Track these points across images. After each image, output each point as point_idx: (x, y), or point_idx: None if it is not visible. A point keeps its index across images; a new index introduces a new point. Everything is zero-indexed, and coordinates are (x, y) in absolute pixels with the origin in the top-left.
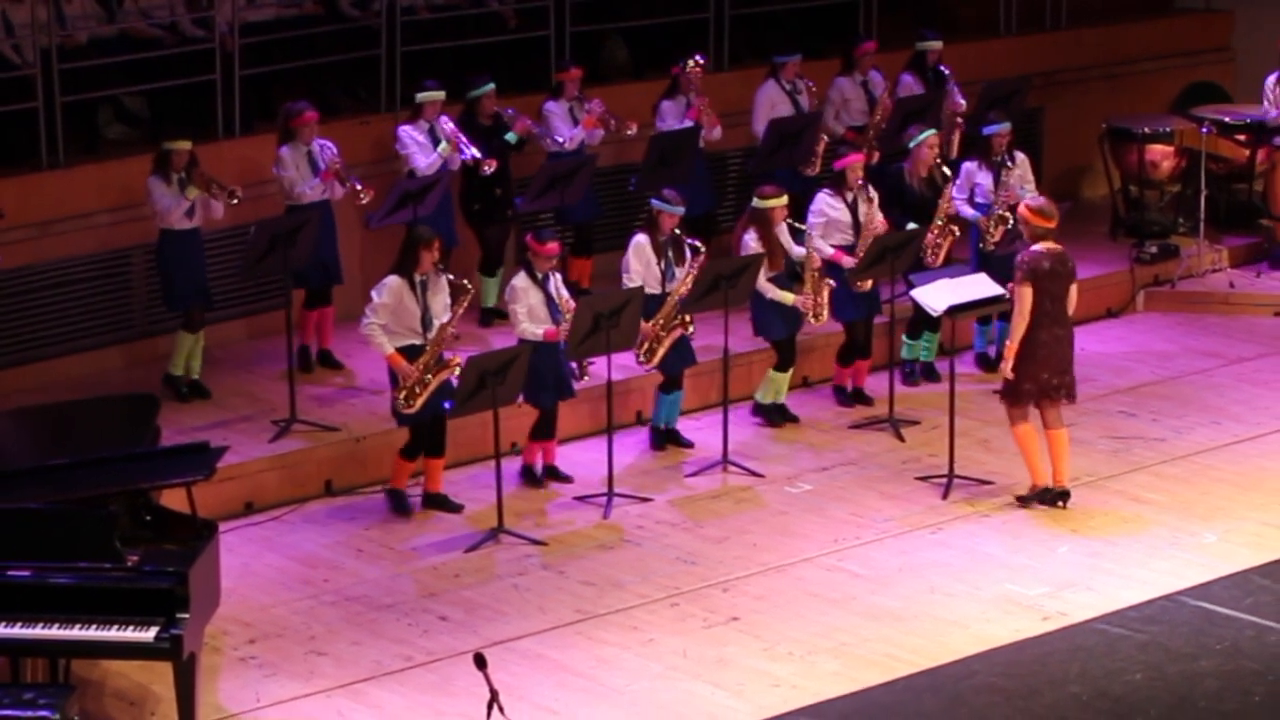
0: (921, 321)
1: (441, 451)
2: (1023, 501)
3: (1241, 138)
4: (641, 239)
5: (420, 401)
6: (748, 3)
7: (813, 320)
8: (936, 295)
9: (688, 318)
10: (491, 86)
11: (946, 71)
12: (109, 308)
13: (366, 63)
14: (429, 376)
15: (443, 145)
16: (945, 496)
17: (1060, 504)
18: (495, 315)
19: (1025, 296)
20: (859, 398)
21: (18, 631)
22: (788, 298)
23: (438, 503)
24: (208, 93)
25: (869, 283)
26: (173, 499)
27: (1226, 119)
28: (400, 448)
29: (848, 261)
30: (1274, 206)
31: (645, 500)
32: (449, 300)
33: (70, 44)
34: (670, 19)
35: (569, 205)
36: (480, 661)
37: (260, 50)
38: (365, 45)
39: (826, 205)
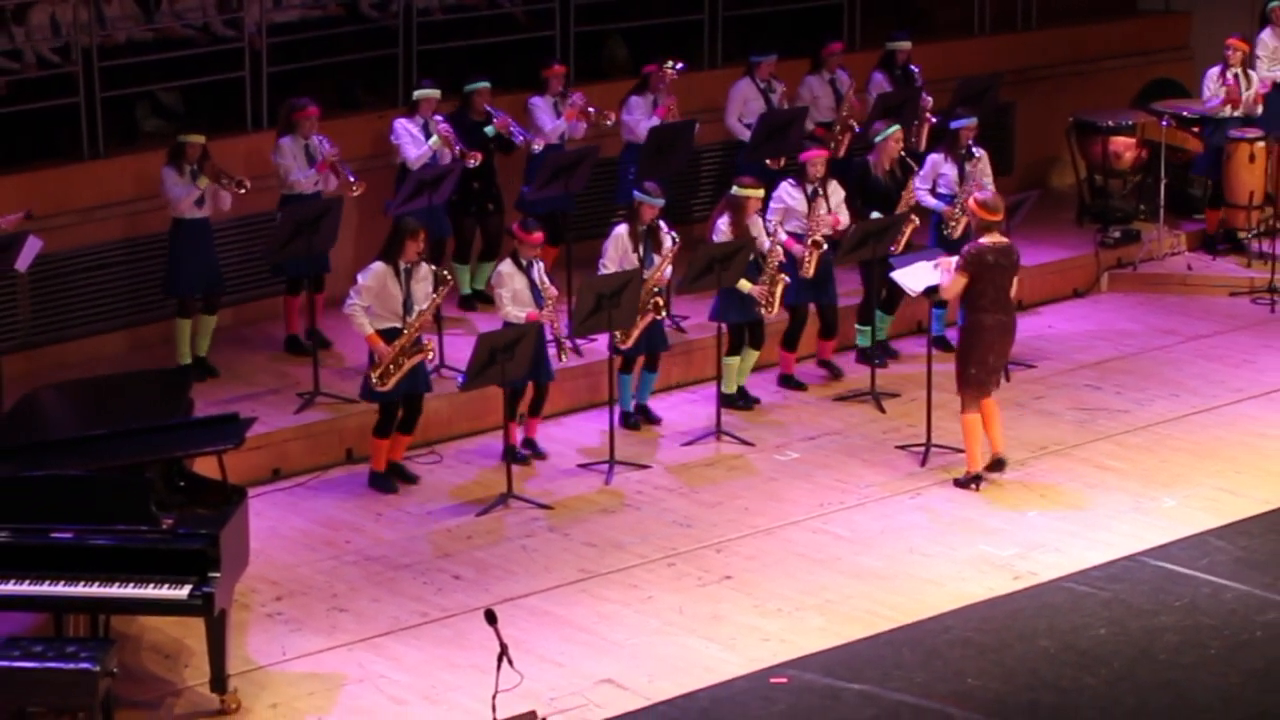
0: (870, 306)
1: (412, 429)
2: (959, 484)
3: (1198, 130)
4: (620, 229)
5: (393, 381)
6: (739, 5)
7: (764, 310)
8: (914, 277)
9: (660, 302)
10: (486, 85)
11: (915, 70)
12: (146, 288)
13: (385, 61)
14: (403, 359)
15: (434, 139)
16: (923, 464)
17: (1001, 471)
18: (479, 300)
19: (958, 283)
20: (830, 369)
21: (61, 589)
22: (745, 286)
23: (396, 471)
24: (237, 89)
25: (812, 269)
26: (205, 466)
27: (1185, 113)
28: (373, 428)
29: (796, 249)
30: (1230, 194)
31: (644, 467)
32: (431, 288)
33: (110, 43)
34: (667, 20)
35: (572, 192)
36: (491, 617)
37: (286, 49)
38: (384, 44)
39: (786, 194)
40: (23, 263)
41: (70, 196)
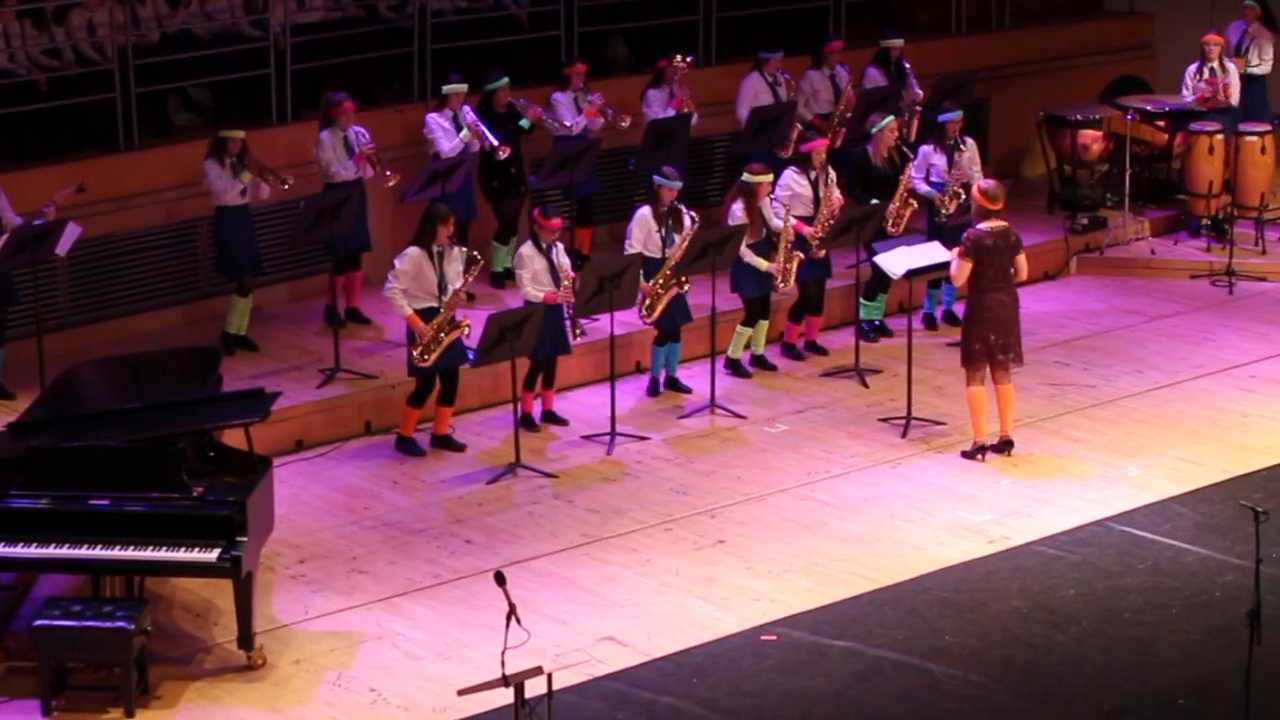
0: (876, 284)
1: (452, 400)
2: (966, 455)
3: (1161, 123)
4: (644, 211)
5: (434, 357)
6: (732, 6)
7: (780, 285)
8: (896, 260)
9: (684, 278)
10: (506, 80)
11: (907, 66)
12: (176, 272)
13: (401, 59)
14: (442, 335)
15: (464, 132)
16: (904, 435)
17: (1007, 453)
18: (508, 278)
19: (965, 268)
20: (814, 349)
21: (98, 553)
22: (762, 264)
23: (444, 443)
24: (263, 85)
25: (824, 250)
26: (233, 437)
27: (1148, 107)
28: (408, 397)
29: (806, 231)
30: (1190, 183)
31: (643, 439)
32: (462, 268)
33: (144, 42)
34: (664, 20)
35: (576, 182)
36: (500, 579)
37: (309, 48)
38: (400, 43)
39: (792, 181)
40: (62, 247)
41: (107, 185)
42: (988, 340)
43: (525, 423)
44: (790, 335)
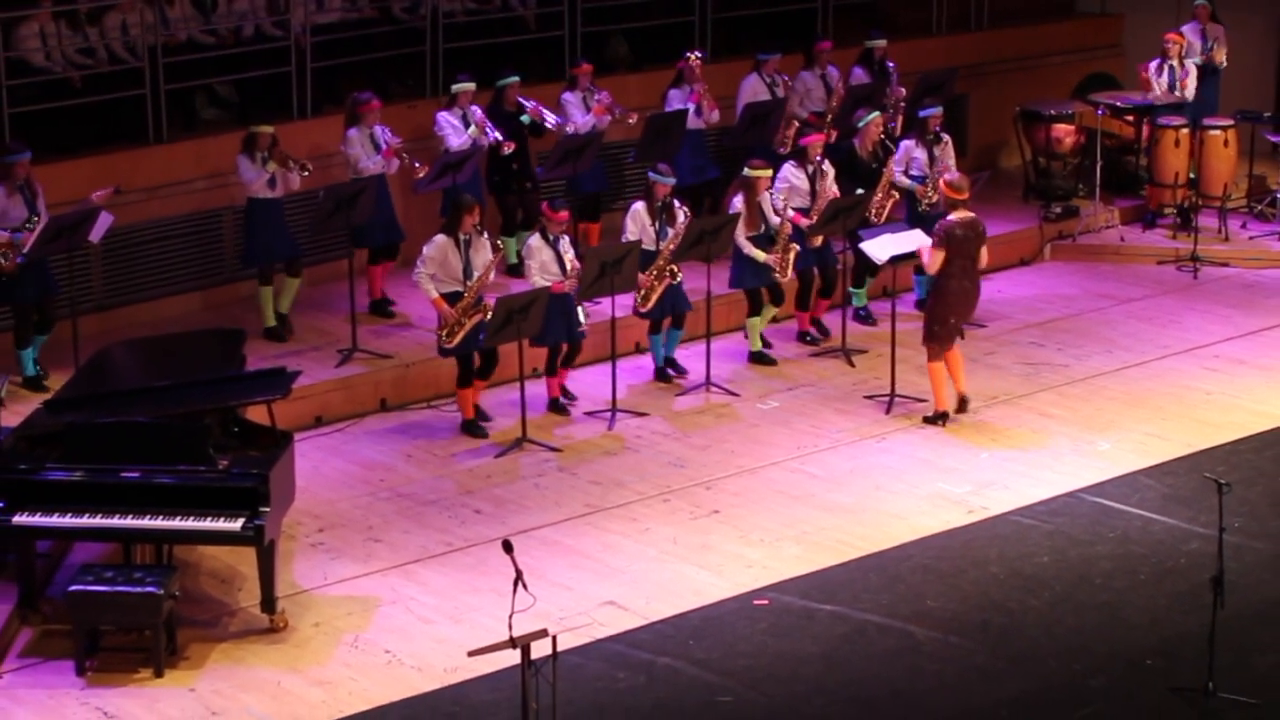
0: (864, 271)
1: (488, 376)
2: (928, 421)
3: (1130, 118)
4: (639, 205)
5: (459, 338)
6: (726, 7)
7: (778, 276)
8: (880, 247)
9: (676, 269)
10: (516, 79)
11: (890, 65)
12: (203, 258)
13: (414, 57)
14: (465, 319)
15: (472, 129)
16: (888, 412)
17: (964, 409)
18: (518, 270)
19: (937, 258)
20: (817, 327)
21: (129, 522)
22: (760, 255)
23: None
24: (284, 82)
25: (820, 239)
26: (256, 414)
27: (1118, 103)
28: (456, 381)
29: (803, 222)
30: (1157, 175)
31: (643, 415)
32: (490, 256)
33: (172, 42)
34: (663, 21)
35: (580, 176)
36: (508, 547)
37: (327, 47)
38: (413, 43)
39: (790, 174)
40: (96, 235)
41: (137, 177)
42: (948, 323)
43: (554, 407)
44: (803, 324)
